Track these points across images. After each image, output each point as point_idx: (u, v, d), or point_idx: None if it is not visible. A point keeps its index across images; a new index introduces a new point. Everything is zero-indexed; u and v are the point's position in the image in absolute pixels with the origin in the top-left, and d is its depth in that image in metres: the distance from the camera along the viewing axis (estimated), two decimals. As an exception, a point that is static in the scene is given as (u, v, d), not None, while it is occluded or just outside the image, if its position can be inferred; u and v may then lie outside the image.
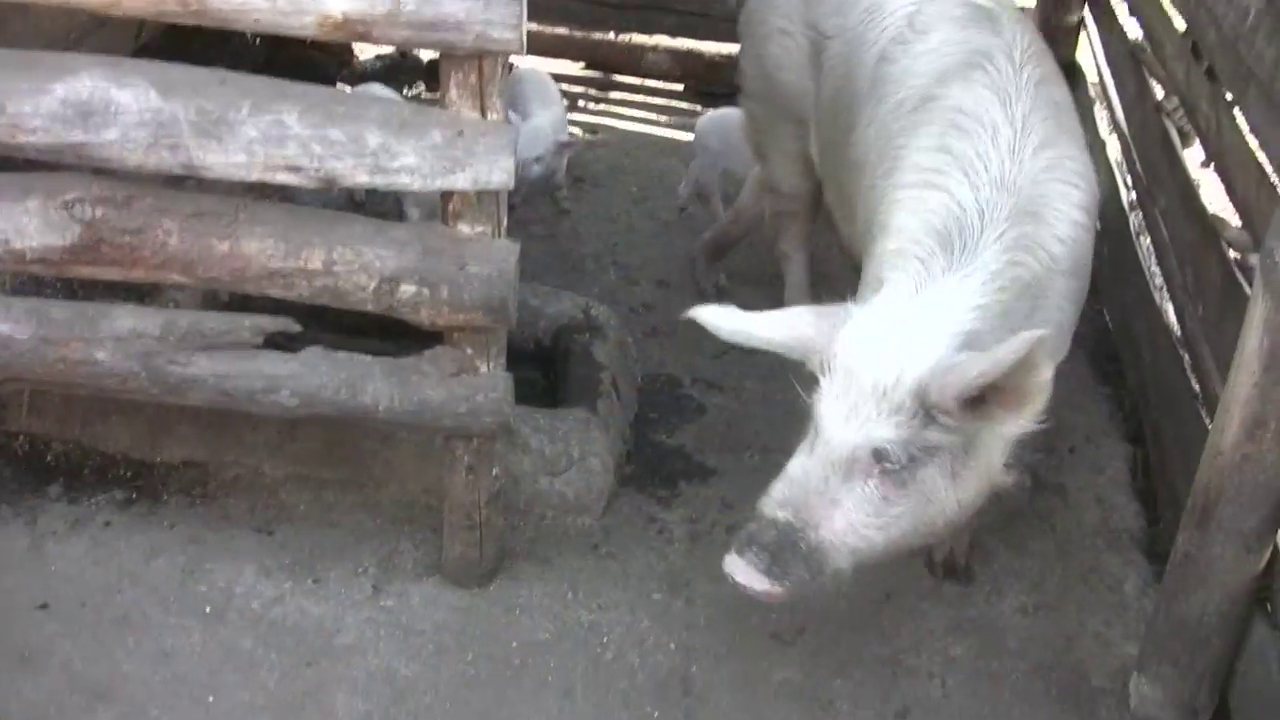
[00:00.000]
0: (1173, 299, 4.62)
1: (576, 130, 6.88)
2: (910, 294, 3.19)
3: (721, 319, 3.24)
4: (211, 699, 3.55)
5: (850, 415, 3.05)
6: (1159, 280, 4.87)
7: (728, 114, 5.79)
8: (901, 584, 4.05)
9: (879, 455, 3.04)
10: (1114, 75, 5.82)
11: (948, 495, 3.13)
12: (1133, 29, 5.55)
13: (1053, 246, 3.31)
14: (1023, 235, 3.26)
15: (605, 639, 3.83)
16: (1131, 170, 5.39)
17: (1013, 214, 3.28)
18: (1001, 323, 3.15)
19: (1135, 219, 5.33)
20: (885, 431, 3.02)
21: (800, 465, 3.16)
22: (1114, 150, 5.78)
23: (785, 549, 3.07)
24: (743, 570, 3.10)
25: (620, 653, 3.79)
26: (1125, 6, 5.68)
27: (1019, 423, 3.04)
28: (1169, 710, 3.56)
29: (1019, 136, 3.43)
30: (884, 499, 3.07)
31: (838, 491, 3.08)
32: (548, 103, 6.04)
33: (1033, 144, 3.42)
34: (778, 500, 3.14)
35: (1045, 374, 2.97)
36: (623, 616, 3.90)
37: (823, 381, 3.13)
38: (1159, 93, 5.22)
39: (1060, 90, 3.74)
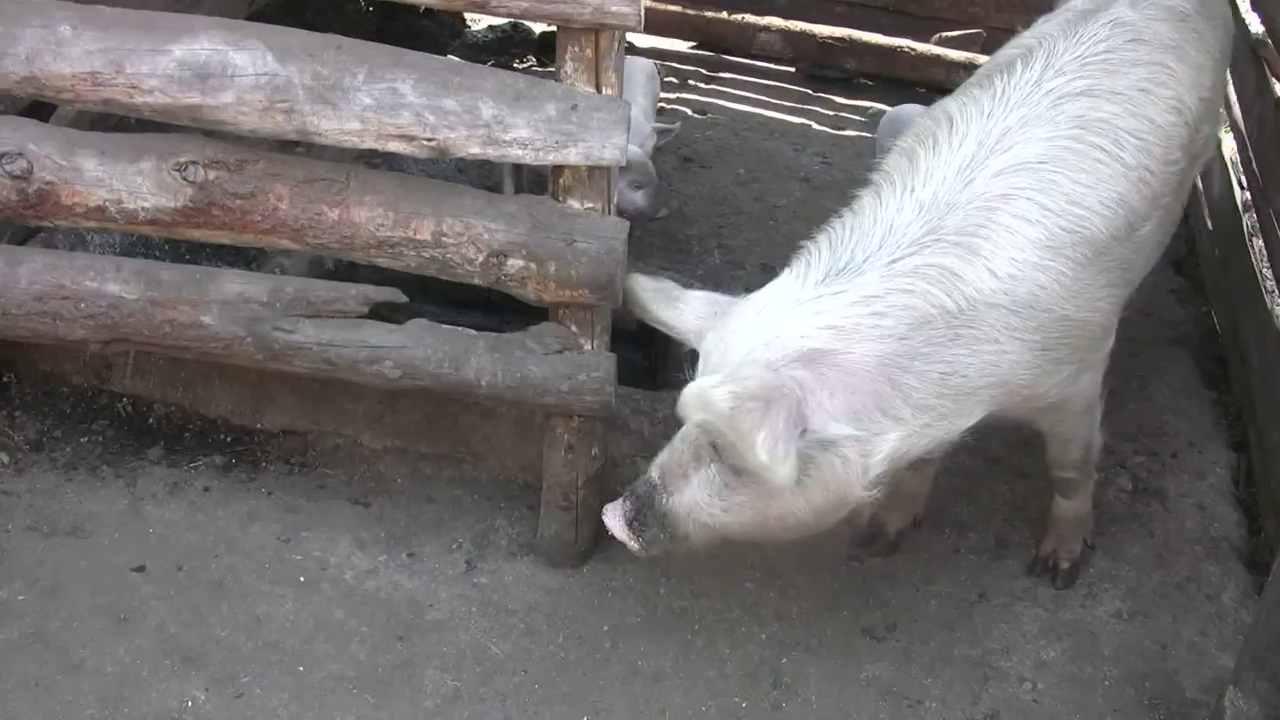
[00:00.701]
0: (1284, 303, 4.53)
1: (686, 111, 6.81)
2: (782, 294, 3.13)
3: (635, 283, 3.39)
4: (302, 668, 3.56)
5: None
6: (1270, 283, 4.76)
7: (904, 111, 5.68)
8: (995, 584, 3.99)
9: (714, 444, 3.08)
10: (1233, 71, 5.68)
11: (792, 498, 3.08)
12: (1254, 23, 5.42)
13: (982, 281, 3.09)
14: (931, 265, 3.07)
15: (696, 626, 3.80)
16: (1247, 169, 5.27)
17: (925, 240, 3.10)
18: (895, 346, 3.04)
19: (1248, 220, 5.21)
20: None
21: (678, 435, 3.23)
22: (1229, 148, 5.66)
23: (646, 507, 3.22)
24: (612, 514, 3.27)
25: (710, 641, 3.75)
26: (1247, -1, 5.55)
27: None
28: (1264, 727, 3.48)
29: (981, 154, 3.19)
30: (725, 485, 3.13)
31: (689, 467, 3.17)
32: (632, 93, 5.95)
33: (998, 165, 3.17)
34: (657, 461, 3.26)
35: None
36: (714, 604, 3.86)
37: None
38: (1280, 90, 5.10)
39: (1113, 108, 3.33)
